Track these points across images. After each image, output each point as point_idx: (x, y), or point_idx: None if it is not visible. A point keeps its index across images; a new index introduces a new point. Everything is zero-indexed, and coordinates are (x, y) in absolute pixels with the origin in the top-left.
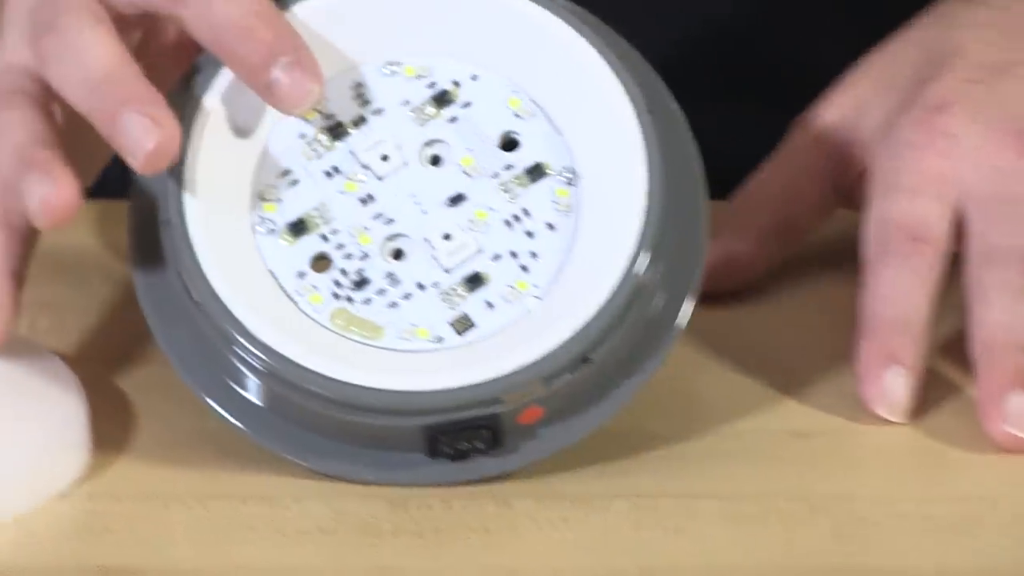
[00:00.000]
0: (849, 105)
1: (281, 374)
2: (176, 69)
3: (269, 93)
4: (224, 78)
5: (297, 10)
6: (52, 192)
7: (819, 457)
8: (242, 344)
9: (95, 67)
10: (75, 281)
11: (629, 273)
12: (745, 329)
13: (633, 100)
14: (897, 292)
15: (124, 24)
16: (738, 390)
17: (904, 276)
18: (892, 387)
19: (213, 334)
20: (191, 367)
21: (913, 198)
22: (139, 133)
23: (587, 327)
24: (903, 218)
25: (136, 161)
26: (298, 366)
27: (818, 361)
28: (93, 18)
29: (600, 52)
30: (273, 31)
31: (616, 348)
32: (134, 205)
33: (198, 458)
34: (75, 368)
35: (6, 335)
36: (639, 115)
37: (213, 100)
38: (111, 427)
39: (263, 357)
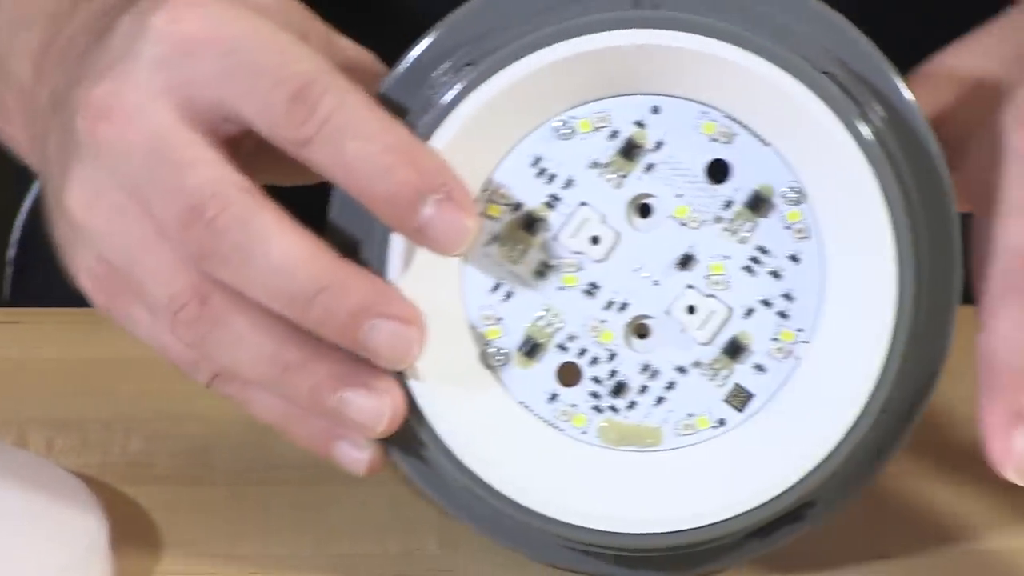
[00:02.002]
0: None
1: (572, 537)
2: (270, 166)
3: (421, 237)
4: None
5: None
6: (387, 405)
7: None
8: (526, 522)
9: (297, 276)
10: (95, 396)
11: (903, 304)
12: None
13: (829, 99)
14: (1022, 339)
15: (233, 145)
16: (973, 503)
17: None
18: (1023, 448)
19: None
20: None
21: None
22: (390, 341)
23: (881, 379)
24: (1021, 248)
25: (394, 367)
26: (587, 530)
27: None
28: (250, 199)
29: (769, 53)
30: (415, 167)
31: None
32: None
33: None
34: (95, 489)
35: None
36: (843, 117)
37: (398, 238)
38: (134, 551)
39: (549, 528)
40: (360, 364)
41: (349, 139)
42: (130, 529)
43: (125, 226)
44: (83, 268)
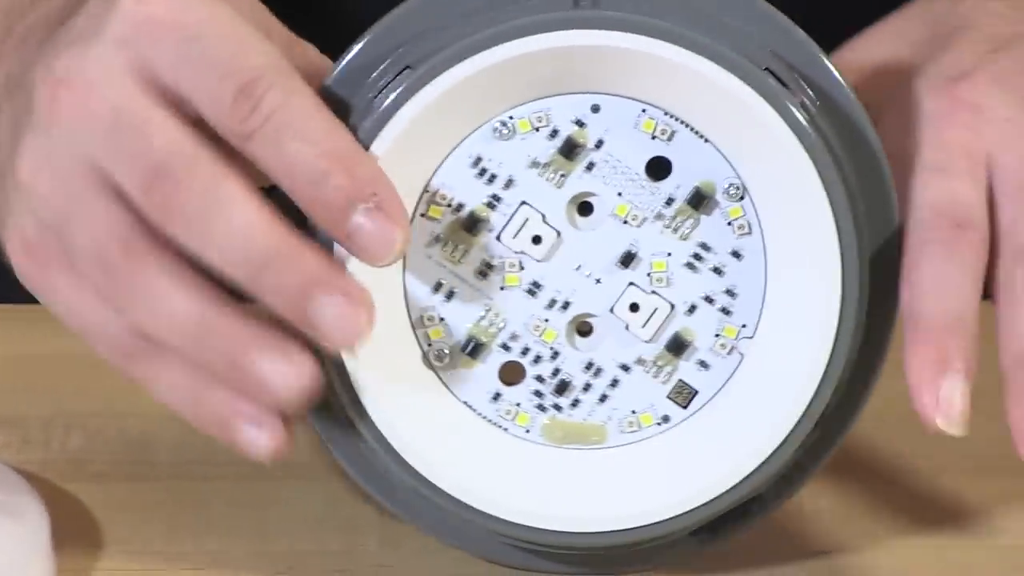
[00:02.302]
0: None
1: (517, 536)
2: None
3: (350, 244)
4: None
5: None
6: (303, 376)
7: None
8: (471, 521)
9: (256, 241)
10: (35, 393)
11: (847, 297)
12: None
13: (767, 94)
14: (945, 288)
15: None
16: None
17: (951, 269)
18: (950, 395)
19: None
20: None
21: (946, 178)
22: (338, 318)
23: (826, 373)
24: (940, 203)
25: (340, 346)
26: (533, 529)
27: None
28: (216, 161)
29: (706, 50)
30: (349, 174)
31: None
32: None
33: None
34: (37, 485)
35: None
36: (781, 110)
37: None
38: (74, 549)
39: (494, 528)
40: (279, 331)
41: (289, 139)
42: (70, 526)
43: (67, 186)
44: (17, 235)
